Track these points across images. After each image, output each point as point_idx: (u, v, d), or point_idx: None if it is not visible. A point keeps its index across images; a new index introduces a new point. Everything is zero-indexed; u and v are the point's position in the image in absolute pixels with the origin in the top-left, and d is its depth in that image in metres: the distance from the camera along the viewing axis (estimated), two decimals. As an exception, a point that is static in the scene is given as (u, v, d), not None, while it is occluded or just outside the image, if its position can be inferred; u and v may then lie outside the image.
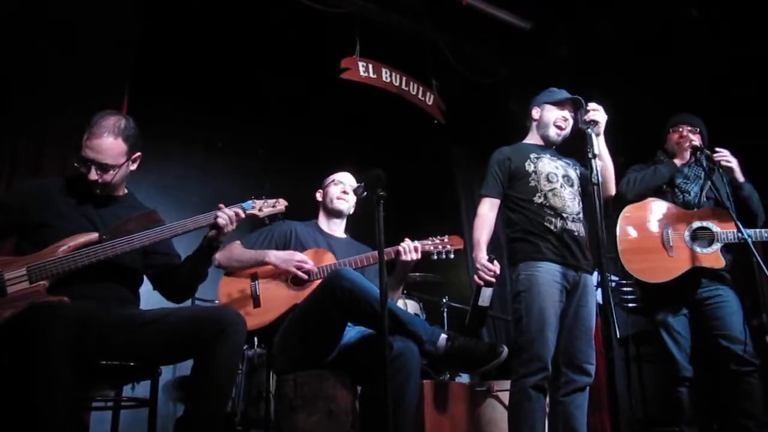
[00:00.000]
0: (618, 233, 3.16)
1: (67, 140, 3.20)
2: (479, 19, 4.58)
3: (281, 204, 2.42)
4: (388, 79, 4.55)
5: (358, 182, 2.90)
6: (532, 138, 2.98)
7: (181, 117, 4.62)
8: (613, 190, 2.87)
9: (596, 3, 4.49)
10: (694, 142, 3.13)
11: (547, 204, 2.73)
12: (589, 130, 2.39)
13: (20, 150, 3.23)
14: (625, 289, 3.87)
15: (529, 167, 2.81)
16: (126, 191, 2.37)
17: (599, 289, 3.05)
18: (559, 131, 2.88)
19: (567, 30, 4.77)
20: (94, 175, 2.14)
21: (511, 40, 4.84)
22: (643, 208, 3.19)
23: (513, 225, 2.78)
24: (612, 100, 4.85)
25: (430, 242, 2.69)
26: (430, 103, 4.78)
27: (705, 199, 3.17)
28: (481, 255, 2.68)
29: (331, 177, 3.00)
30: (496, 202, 2.84)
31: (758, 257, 2.74)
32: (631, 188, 3.18)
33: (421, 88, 4.75)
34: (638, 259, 3.10)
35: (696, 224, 3.08)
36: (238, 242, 2.73)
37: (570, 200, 2.77)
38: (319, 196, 3.02)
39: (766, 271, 2.68)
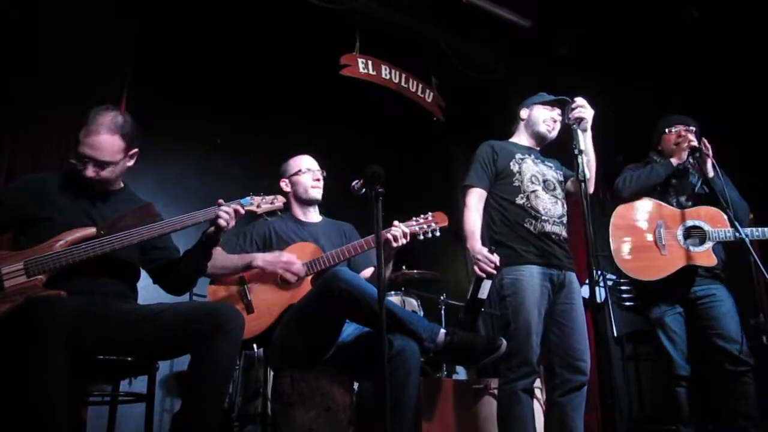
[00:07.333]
0: (611, 232, 3.18)
1: (65, 136, 3.19)
2: (480, 17, 4.58)
3: (279, 201, 2.39)
4: (388, 76, 4.55)
5: (321, 167, 2.88)
6: (519, 138, 3.00)
7: (180, 113, 4.61)
8: (592, 188, 2.79)
9: (597, 2, 4.48)
10: (692, 143, 3.13)
11: (529, 205, 2.74)
12: (575, 126, 2.38)
13: (19, 145, 3.21)
14: (622, 287, 3.87)
15: (514, 167, 2.82)
16: (122, 185, 2.36)
17: (584, 286, 3.06)
18: (549, 128, 2.89)
19: (567, 29, 4.76)
20: (90, 171, 2.14)
21: (511, 38, 4.83)
22: (635, 208, 3.21)
23: (495, 226, 2.76)
24: (611, 98, 4.88)
25: (415, 223, 2.60)
26: (429, 100, 4.78)
27: (698, 198, 3.19)
28: (479, 246, 2.64)
29: (296, 165, 2.88)
30: (484, 193, 2.81)
31: (756, 256, 2.75)
32: (627, 186, 3.20)
33: (420, 86, 4.75)
34: (632, 257, 3.12)
35: (689, 223, 3.10)
36: (219, 249, 2.59)
37: (551, 204, 2.79)
38: (285, 185, 2.88)
39: (763, 270, 2.69)
